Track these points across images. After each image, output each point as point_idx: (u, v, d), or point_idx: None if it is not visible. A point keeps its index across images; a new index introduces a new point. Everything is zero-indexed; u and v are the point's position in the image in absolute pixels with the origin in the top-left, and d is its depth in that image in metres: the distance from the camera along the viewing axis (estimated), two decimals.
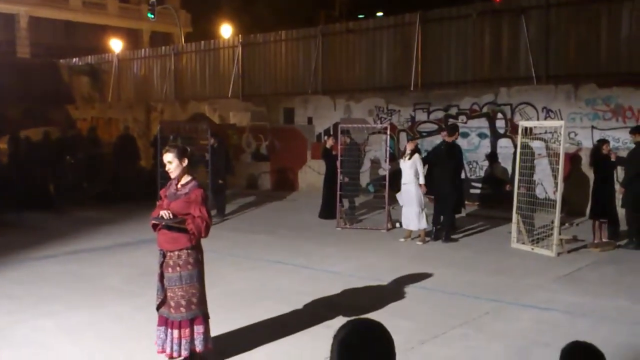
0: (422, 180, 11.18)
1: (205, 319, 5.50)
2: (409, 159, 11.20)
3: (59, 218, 14.19)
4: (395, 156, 15.46)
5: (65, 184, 17.33)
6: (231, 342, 6.18)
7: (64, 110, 24.65)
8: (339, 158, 12.95)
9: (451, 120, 15.19)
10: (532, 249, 10.45)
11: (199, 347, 5.41)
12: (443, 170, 11.35)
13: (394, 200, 12.03)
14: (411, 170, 11.14)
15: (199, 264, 5.45)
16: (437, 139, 14.14)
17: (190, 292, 5.34)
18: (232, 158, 16.66)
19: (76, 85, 26.01)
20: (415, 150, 11.44)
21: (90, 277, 8.89)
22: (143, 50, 25.86)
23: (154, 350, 5.68)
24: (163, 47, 24.12)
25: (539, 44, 14.34)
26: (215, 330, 5.82)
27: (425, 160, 11.58)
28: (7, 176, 15.94)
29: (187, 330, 5.35)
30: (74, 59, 26.39)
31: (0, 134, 19.07)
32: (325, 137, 16.30)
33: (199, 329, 5.41)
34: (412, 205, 11.13)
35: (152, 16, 30.06)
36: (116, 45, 31.87)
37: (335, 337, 2.13)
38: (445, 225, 11.41)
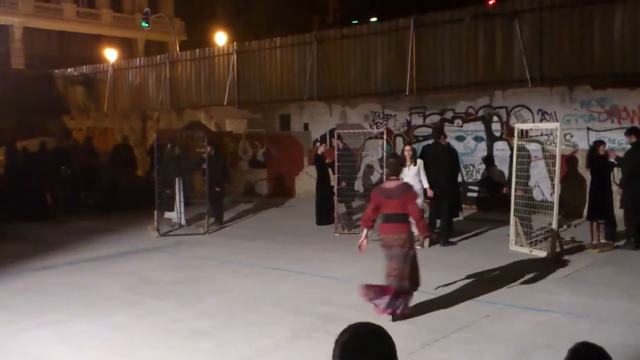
0: (426, 184, 11.14)
1: (407, 291, 7.04)
2: (414, 165, 11.14)
3: (56, 228, 14.15)
4: None
5: (62, 194, 17.32)
6: (232, 348, 6.17)
7: (60, 121, 24.66)
8: (336, 163, 12.93)
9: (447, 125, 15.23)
10: (531, 251, 10.46)
11: (399, 310, 6.98)
12: (440, 171, 11.32)
13: None
14: (417, 177, 11.05)
15: (408, 248, 7.09)
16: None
17: (400, 267, 6.98)
18: (229, 165, 16.64)
19: (71, 95, 25.98)
20: (416, 155, 11.42)
21: (90, 287, 8.87)
22: (138, 59, 25.83)
23: (154, 358, 5.67)
24: (158, 56, 24.08)
25: (533, 46, 14.36)
26: (216, 336, 5.82)
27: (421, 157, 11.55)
28: (4, 187, 15.89)
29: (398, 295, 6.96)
30: (69, 69, 26.36)
31: None
32: (317, 144, 16.27)
33: (405, 296, 7.00)
34: None
35: (147, 25, 30.07)
36: (111, 54, 31.82)
37: (337, 341, 2.13)
38: (443, 229, 11.41)
